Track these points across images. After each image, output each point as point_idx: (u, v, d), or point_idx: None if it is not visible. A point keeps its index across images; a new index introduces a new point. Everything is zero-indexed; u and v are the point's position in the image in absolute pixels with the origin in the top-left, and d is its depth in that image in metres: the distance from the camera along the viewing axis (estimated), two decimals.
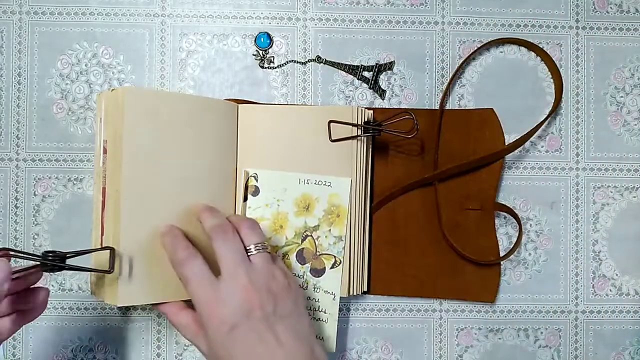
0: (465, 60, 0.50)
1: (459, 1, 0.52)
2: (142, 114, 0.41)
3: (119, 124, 0.41)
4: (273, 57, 0.51)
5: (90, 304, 0.50)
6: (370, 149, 0.49)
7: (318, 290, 0.47)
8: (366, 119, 0.47)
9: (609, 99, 0.52)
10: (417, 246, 0.50)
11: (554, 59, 0.51)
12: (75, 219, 0.50)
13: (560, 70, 0.51)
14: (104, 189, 0.42)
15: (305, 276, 0.47)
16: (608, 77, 0.52)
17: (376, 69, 0.51)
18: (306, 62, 0.51)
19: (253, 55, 0.51)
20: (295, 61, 0.51)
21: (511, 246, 0.50)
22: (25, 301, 0.38)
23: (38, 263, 0.37)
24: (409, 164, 0.50)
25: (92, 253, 0.41)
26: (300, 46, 0.51)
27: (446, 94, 0.50)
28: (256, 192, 0.47)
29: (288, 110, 0.48)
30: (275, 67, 0.51)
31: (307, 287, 0.47)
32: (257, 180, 0.47)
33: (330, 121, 0.46)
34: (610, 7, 0.52)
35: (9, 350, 0.49)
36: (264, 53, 0.51)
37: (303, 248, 0.47)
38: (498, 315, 0.51)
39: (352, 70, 0.51)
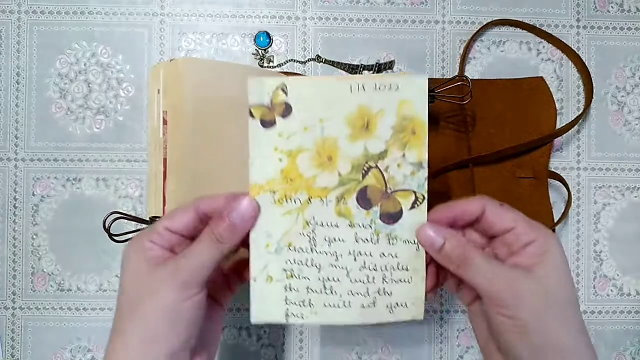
0: (472, 38, 0.50)
1: (460, 0, 0.51)
2: (201, 83, 0.42)
3: (179, 94, 0.41)
4: (273, 56, 0.51)
5: (90, 304, 0.50)
6: None
7: (394, 241, 0.34)
8: None
9: (610, 99, 0.52)
10: None
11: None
12: (74, 219, 0.50)
13: (561, 69, 0.51)
14: (165, 159, 0.42)
15: (373, 225, 0.34)
16: (609, 76, 0.52)
17: (376, 68, 0.51)
18: (306, 61, 0.51)
19: (253, 54, 0.51)
20: (295, 60, 0.51)
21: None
22: None
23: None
24: (459, 135, 0.50)
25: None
26: (300, 45, 0.51)
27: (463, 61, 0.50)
28: (288, 111, 0.33)
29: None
30: (275, 67, 0.51)
31: (378, 240, 0.34)
32: (286, 94, 0.33)
33: None
34: (612, 7, 0.52)
35: (8, 350, 0.49)
36: (263, 52, 0.51)
37: (366, 186, 0.34)
38: None
39: (352, 69, 0.51)
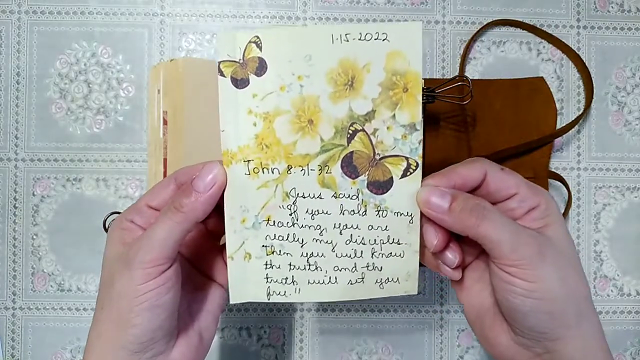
0: (472, 38, 0.51)
1: (460, 0, 0.51)
2: (201, 83, 0.42)
3: (179, 94, 0.42)
4: None
5: (90, 304, 0.50)
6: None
7: (384, 212, 0.31)
8: None
9: (610, 99, 0.52)
10: None
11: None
12: (74, 220, 0.50)
13: (561, 69, 0.51)
14: (165, 159, 0.42)
15: (360, 195, 0.31)
16: (609, 76, 0.52)
17: None
18: None
19: None
20: None
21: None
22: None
23: None
24: (459, 135, 0.49)
25: None
26: None
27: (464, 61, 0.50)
28: (262, 68, 0.30)
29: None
30: None
31: (365, 211, 0.31)
32: (260, 48, 0.30)
33: None
34: (612, 7, 0.52)
35: (8, 350, 0.49)
36: None
37: (352, 152, 0.31)
38: None
39: None
